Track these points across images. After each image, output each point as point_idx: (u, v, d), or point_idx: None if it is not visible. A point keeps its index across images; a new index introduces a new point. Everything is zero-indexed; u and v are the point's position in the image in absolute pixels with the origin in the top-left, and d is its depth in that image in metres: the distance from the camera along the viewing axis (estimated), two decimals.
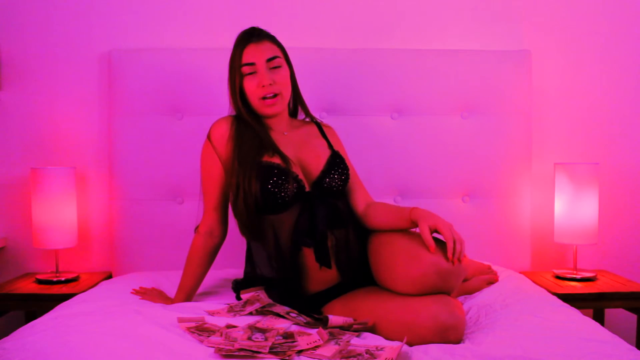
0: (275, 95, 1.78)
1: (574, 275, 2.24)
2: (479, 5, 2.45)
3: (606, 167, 2.47)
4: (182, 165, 2.27)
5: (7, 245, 2.40)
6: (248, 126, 1.80)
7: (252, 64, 1.76)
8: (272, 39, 1.81)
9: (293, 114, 1.93)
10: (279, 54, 1.80)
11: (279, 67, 1.78)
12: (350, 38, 2.42)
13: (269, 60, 1.76)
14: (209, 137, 1.82)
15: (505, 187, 2.34)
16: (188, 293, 1.83)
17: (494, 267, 2.13)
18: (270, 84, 1.75)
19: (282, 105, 1.81)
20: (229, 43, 2.35)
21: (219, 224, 1.84)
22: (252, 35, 1.78)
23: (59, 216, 2.20)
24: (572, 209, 2.23)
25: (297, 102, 1.92)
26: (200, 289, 1.93)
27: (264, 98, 1.77)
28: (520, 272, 2.27)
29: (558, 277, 2.26)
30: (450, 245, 1.50)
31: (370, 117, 2.32)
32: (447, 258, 1.50)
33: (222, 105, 2.27)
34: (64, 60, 2.37)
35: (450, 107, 2.34)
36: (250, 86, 1.77)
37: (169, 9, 2.39)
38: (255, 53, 1.76)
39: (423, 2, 2.44)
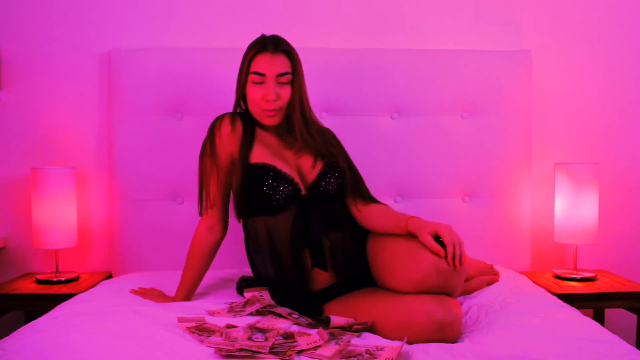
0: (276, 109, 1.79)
1: (574, 275, 2.24)
2: (479, 5, 2.45)
3: (606, 167, 2.46)
4: (182, 165, 2.27)
5: (7, 245, 2.40)
6: (251, 126, 1.83)
7: (262, 75, 1.75)
8: (288, 54, 1.78)
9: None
10: (290, 69, 1.78)
11: (287, 83, 1.78)
12: (350, 38, 2.42)
13: (279, 75, 1.76)
14: (214, 132, 1.81)
15: (505, 187, 2.34)
16: (188, 289, 1.84)
17: (495, 267, 2.13)
18: (274, 100, 1.76)
19: (280, 117, 1.81)
20: (229, 43, 2.37)
21: (220, 220, 1.86)
22: (269, 44, 1.76)
23: (59, 216, 2.19)
24: (572, 209, 2.23)
25: (304, 113, 1.84)
26: (200, 289, 1.93)
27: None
28: (520, 272, 2.27)
29: (558, 277, 2.26)
30: (450, 250, 1.51)
31: (370, 117, 2.32)
32: (447, 260, 1.50)
33: (222, 106, 2.27)
34: (64, 60, 2.37)
35: (450, 107, 2.34)
36: (255, 95, 1.77)
37: (169, 8, 2.39)
38: (267, 65, 1.75)
39: (423, 2, 2.44)
